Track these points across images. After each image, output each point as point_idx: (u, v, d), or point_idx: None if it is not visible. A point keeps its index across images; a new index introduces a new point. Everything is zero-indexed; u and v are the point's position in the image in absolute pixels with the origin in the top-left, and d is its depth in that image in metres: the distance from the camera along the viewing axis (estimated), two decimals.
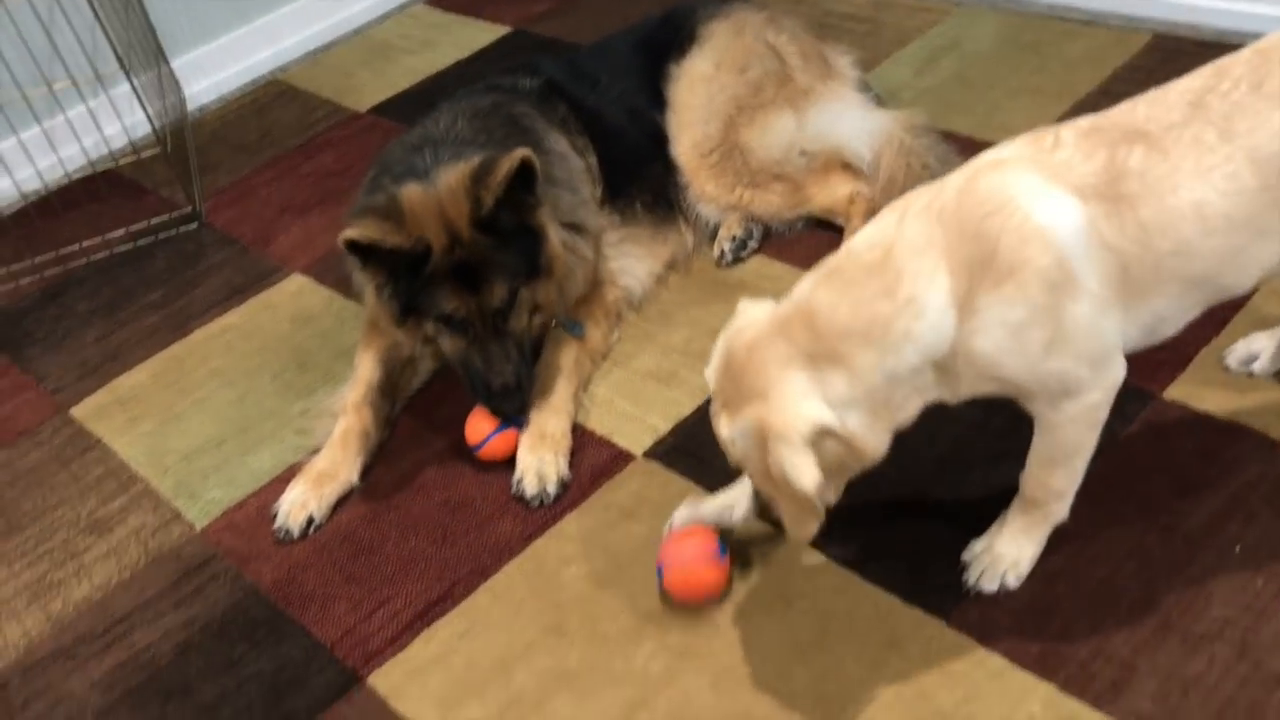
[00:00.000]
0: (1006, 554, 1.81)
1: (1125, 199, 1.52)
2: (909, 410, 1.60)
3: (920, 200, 1.58)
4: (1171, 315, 1.63)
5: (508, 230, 2.13)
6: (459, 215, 2.09)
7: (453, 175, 2.13)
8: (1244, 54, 1.60)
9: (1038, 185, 1.52)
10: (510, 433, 2.21)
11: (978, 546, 1.84)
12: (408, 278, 2.11)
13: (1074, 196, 1.51)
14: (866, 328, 1.52)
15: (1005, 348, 1.53)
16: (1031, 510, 1.78)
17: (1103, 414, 1.64)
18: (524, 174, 2.10)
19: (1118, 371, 1.62)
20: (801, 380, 1.53)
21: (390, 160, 2.33)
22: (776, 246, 2.63)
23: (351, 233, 2.03)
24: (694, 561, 1.86)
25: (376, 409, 2.34)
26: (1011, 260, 1.49)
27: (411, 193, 2.10)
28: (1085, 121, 1.60)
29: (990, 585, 1.81)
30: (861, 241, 1.59)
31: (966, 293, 1.51)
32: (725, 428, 1.60)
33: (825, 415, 1.51)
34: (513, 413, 2.19)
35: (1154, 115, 1.57)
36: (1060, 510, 1.78)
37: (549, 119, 2.54)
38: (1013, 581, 1.81)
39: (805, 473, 1.49)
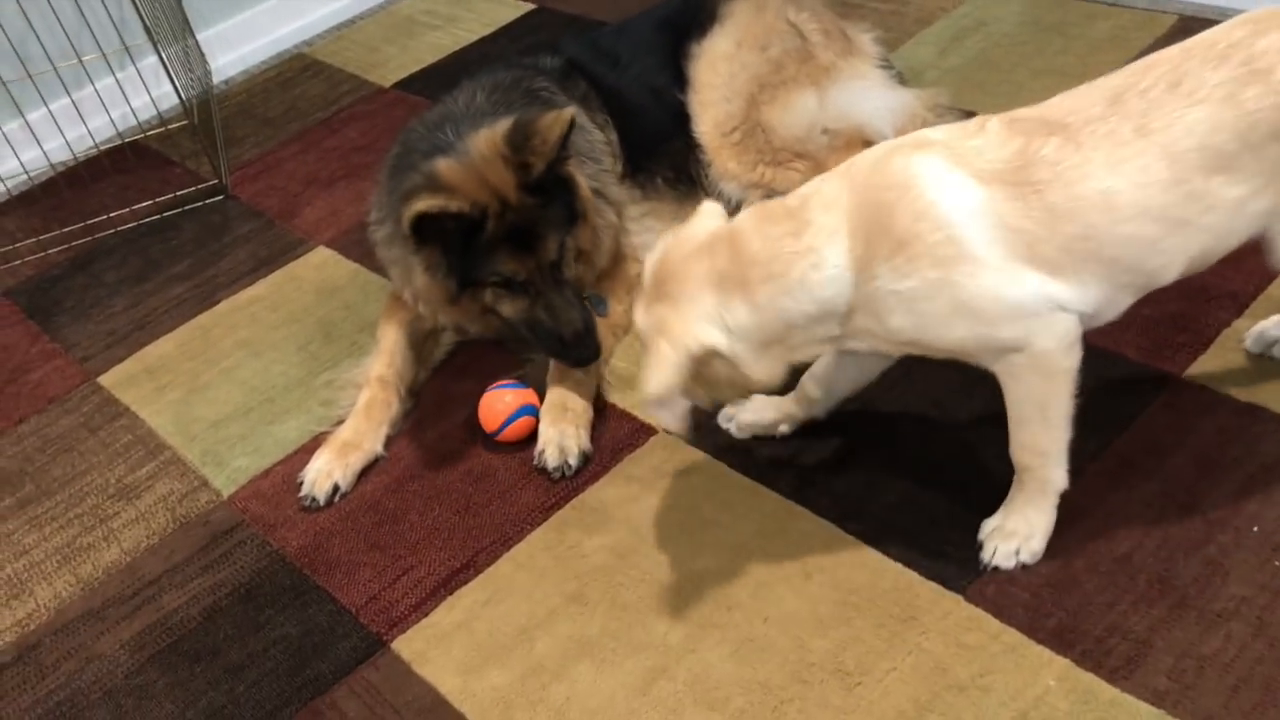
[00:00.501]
0: (1019, 530, 1.83)
1: (1032, 184, 1.60)
2: (805, 352, 1.77)
3: (845, 164, 1.71)
4: (1106, 297, 1.68)
5: (548, 186, 2.15)
6: (503, 180, 2.10)
7: (483, 142, 2.14)
8: (1170, 51, 1.66)
9: (940, 167, 1.62)
10: (526, 418, 2.24)
11: (990, 524, 1.86)
12: (462, 249, 2.12)
13: (974, 180, 1.61)
14: (769, 262, 1.66)
15: (900, 315, 1.65)
16: (1027, 480, 1.81)
17: (1058, 362, 1.67)
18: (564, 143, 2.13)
19: (1058, 324, 1.65)
20: (708, 302, 1.68)
21: (413, 140, 2.34)
22: None
23: (420, 205, 2.04)
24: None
25: (400, 380, 2.37)
26: (904, 234, 1.60)
27: (448, 166, 2.11)
28: (1017, 112, 1.69)
29: (1006, 562, 1.83)
30: (797, 189, 1.74)
31: (863, 258, 1.63)
32: (640, 316, 1.75)
33: (716, 339, 1.67)
34: (590, 357, 2.21)
35: (1076, 108, 1.66)
36: (1057, 476, 1.79)
37: (569, 95, 2.56)
38: (1028, 558, 1.82)
39: (657, 380, 1.65)
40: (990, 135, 1.65)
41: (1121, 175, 1.59)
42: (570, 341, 2.19)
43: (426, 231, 2.10)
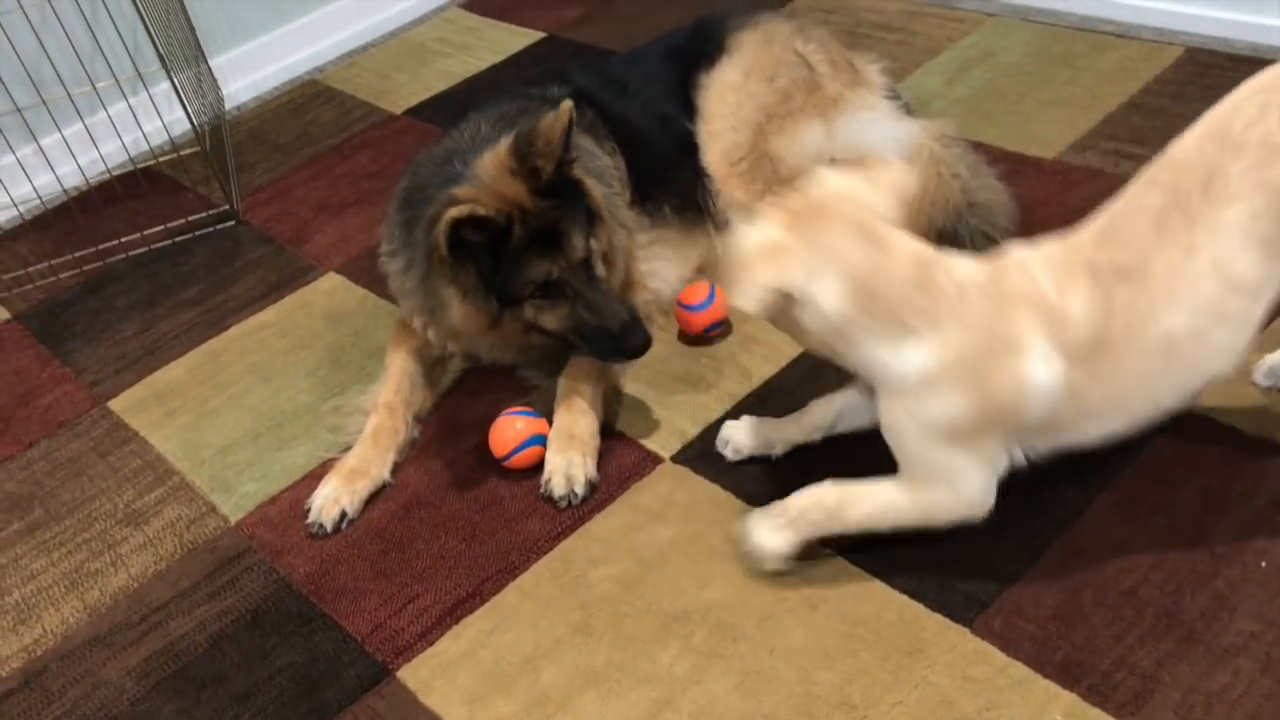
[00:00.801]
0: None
1: (1106, 346, 1.68)
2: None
3: (999, 269, 1.74)
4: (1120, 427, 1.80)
5: (560, 189, 2.17)
6: (516, 191, 2.12)
7: (489, 163, 2.16)
8: (1188, 143, 1.68)
9: (1042, 348, 1.68)
10: (536, 448, 2.24)
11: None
12: (493, 264, 2.13)
13: (1064, 361, 1.68)
14: (897, 299, 1.69)
15: (931, 421, 1.74)
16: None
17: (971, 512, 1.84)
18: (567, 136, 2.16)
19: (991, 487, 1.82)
20: (836, 266, 1.70)
21: (422, 174, 2.35)
22: None
23: (454, 211, 2.05)
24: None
25: (407, 407, 2.38)
26: (995, 389, 1.69)
27: (463, 191, 2.12)
28: (1093, 251, 1.70)
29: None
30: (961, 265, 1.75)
31: (945, 359, 1.69)
32: (765, 219, 1.74)
33: (809, 289, 1.70)
34: (645, 345, 2.19)
35: (1133, 242, 1.67)
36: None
37: (576, 122, 2.56)
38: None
39: (752, 295, 1.67)
40: (1082, 297, 1.68)
41: (1180, 309, 1.65)
42: (620, 333, 2.18)
43: (460, 248, 2.10)
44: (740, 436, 2.16)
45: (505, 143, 2.17)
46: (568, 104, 2.15)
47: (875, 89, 2.70)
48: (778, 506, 1.93)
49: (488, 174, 2.15)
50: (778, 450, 2.14)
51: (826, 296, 1.70)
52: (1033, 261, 1.74)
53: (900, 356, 1.71)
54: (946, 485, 1.80)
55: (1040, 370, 1.68)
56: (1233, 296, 1.64)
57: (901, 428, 1.78)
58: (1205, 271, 1.62)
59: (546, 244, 2.14)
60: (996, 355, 1.69)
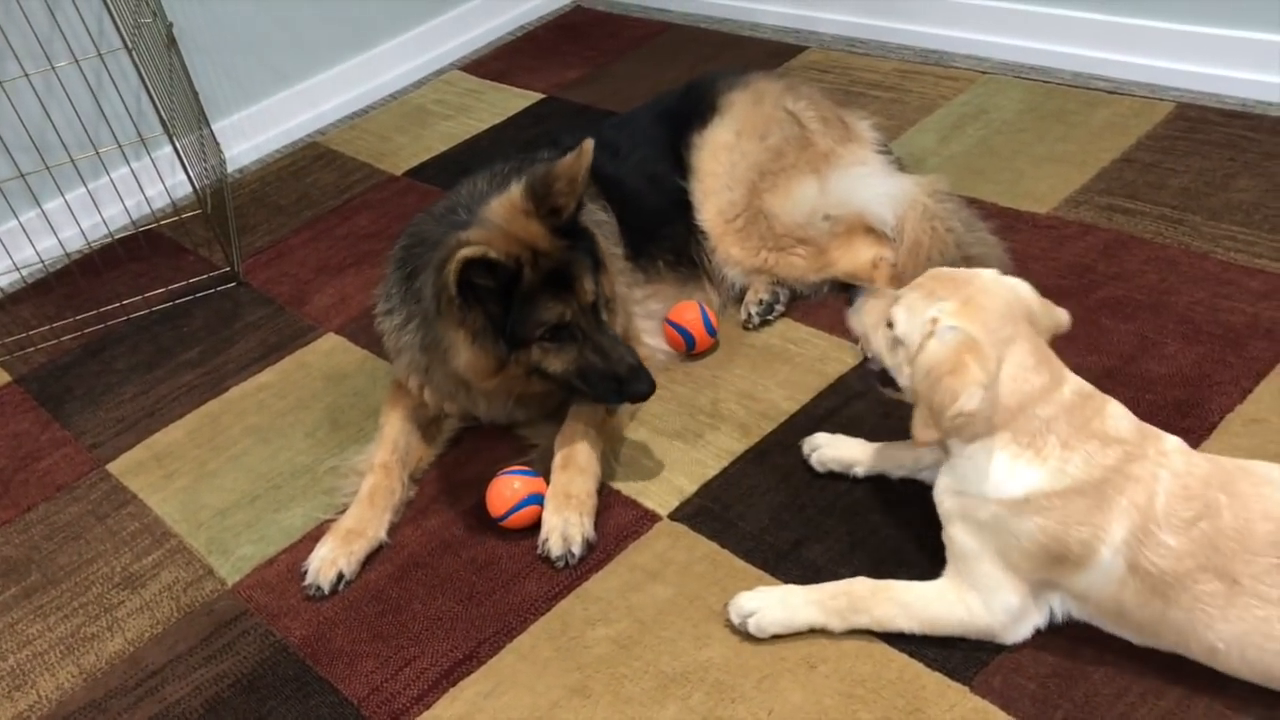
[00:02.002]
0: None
1: (1163, 596, 1.69)
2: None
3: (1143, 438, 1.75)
4: None
5: (573, 231, 2.20)
6: (531, 232, 2.15)
7: (500, 207, 2.18)
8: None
9: (1117, 543, 1.70)
10: (533, 507, 2.23)
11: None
12: (503, 306, 2.15)
13: (1126, 569, 1.71)
14: (1017, 416, 1.73)
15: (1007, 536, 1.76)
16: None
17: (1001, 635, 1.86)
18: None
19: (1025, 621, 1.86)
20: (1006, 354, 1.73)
21: (422, 231, 2.37)
22: (802, 310, 2.66)
23: (466, 251, 2.06)
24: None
25: (403, 467, 2.38)
26: (1070, 539, 1.71)
27: (473, 234, 2.13)
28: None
29: None
30: (1117, 421, 1.76)
31: (1054, 488, 1.71)
32: (946, 315, 1.74)
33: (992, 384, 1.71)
34: (649, 390, 2.19)
35: (1247, 557, 1.65)
36: None
37: None
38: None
39: (975, 395, 1.66)
40: (1180, 541, 1.66)
41: (1229, 636, 1.66)
42: (627, 377, 2.19)
43: (470, 291, 2.11)
44: (829, 451, 2.20)
45: (517, 188, 2.20)
46: (589, 143, 2.19)
47: (866, 144, 2.73)
48: (784, 586, 1.97)
49: (499, 217, 2.17)
50: (858, 471, 2.19)
51: (989, 399, 1.71)
52: (1173, 467, 1.71)
53: (1011, 468, 1.72)
54: (984, 594, 1.80)
55: (1106, 556, 1.69)
56: None
57: (964, 527, 1.79)
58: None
59: (558, 286, 2.16)
60: (1089, 512, 1.69)
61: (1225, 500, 1.65)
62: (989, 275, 1.83)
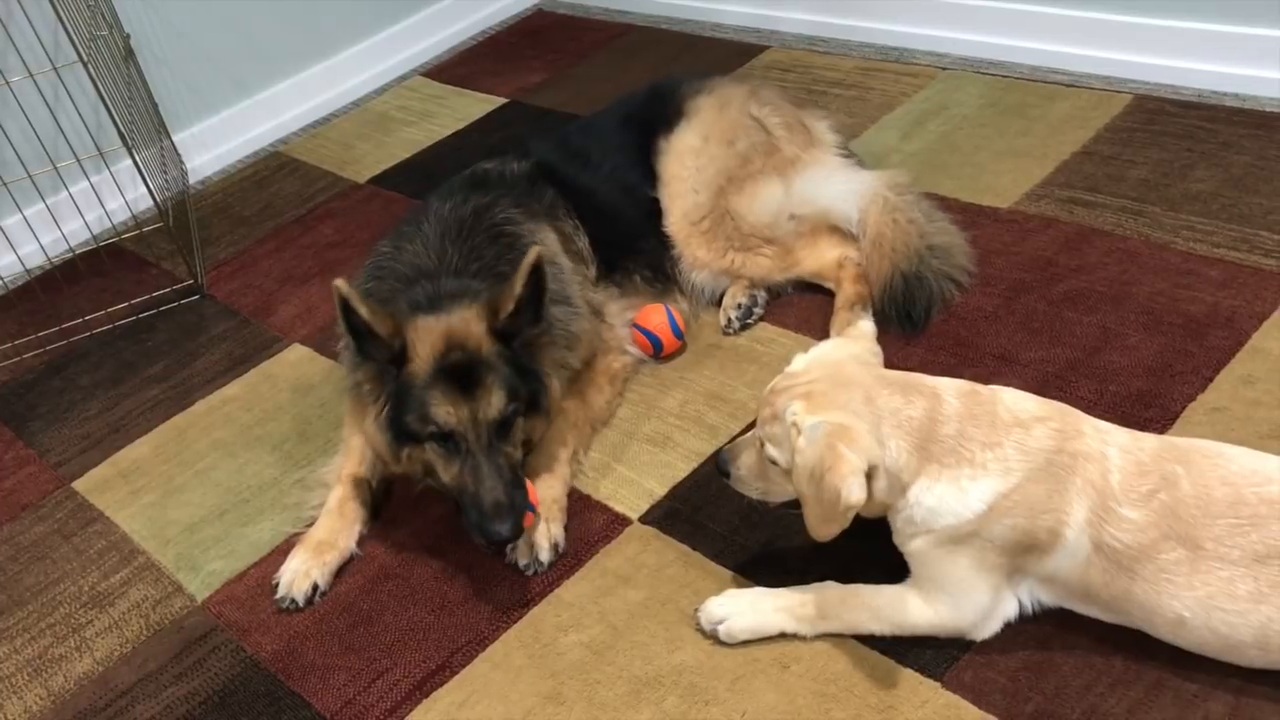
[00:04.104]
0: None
1: (1129, 570, 1.71)
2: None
3: (1059, 423, 1.75)
4: None
5: (519, 355, 2.12)
6: (469, 331, 2.08)
7: (457, 318, 2.11)
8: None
9: (1079, 522, 1.72)
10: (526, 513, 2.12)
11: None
12: (392, 383, 2.08)
13: (1091, 547, 1.72)
14: (951, 445, 1.74)
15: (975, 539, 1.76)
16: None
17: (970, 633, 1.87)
18: (536, 280, 2.10)
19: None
20: (885, 432, 1.73)
21: (385, 288, 2.30)
22: (769, 310, 2.67)
23: (343, 291, 2.00)
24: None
25: (369, 477, 2.37)
26: (1037, 526, 1.72)
27: (347, 287, 2.04)
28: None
29: None
30: (1004, 399, 1.78)
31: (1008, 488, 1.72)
32: (800, 415, 1.73)
33: (880, 459, 1.71)
34: (506, 537, 2.02)
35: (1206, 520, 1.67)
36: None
37: (533, 213, 2.53)
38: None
39: (854, 486, 1.65)
40: (1140, 514, 1.68)
41: (1193, 600, 1.67)
42: (490, 513, 2.00)
43: (358, 342, 2.07)
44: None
45: (478, 303, 2.12)
46: (536, 249, 2.10)
47: (828, 148, 2.75)
48: (753, 590, 1.96)
49: (458, 314, 2.10)
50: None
51: (891, 455, 1.72)
52: (1120, 443, 1.73)
53: (961, 490, 1.72)
54: (954, 595, 1.80)
55: (1071, 538, 1.71)
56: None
57: (940, 552, 1.78)
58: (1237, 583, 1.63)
59: (455, 389, 2.04)
60: (1049, 497, 1.70)
61: (1182, 471, 1.68)
62: (814, 354, 1.87)
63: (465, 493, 2.06)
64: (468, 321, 2.09)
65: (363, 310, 2.03)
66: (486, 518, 2.01)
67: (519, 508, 2.03)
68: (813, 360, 1.86)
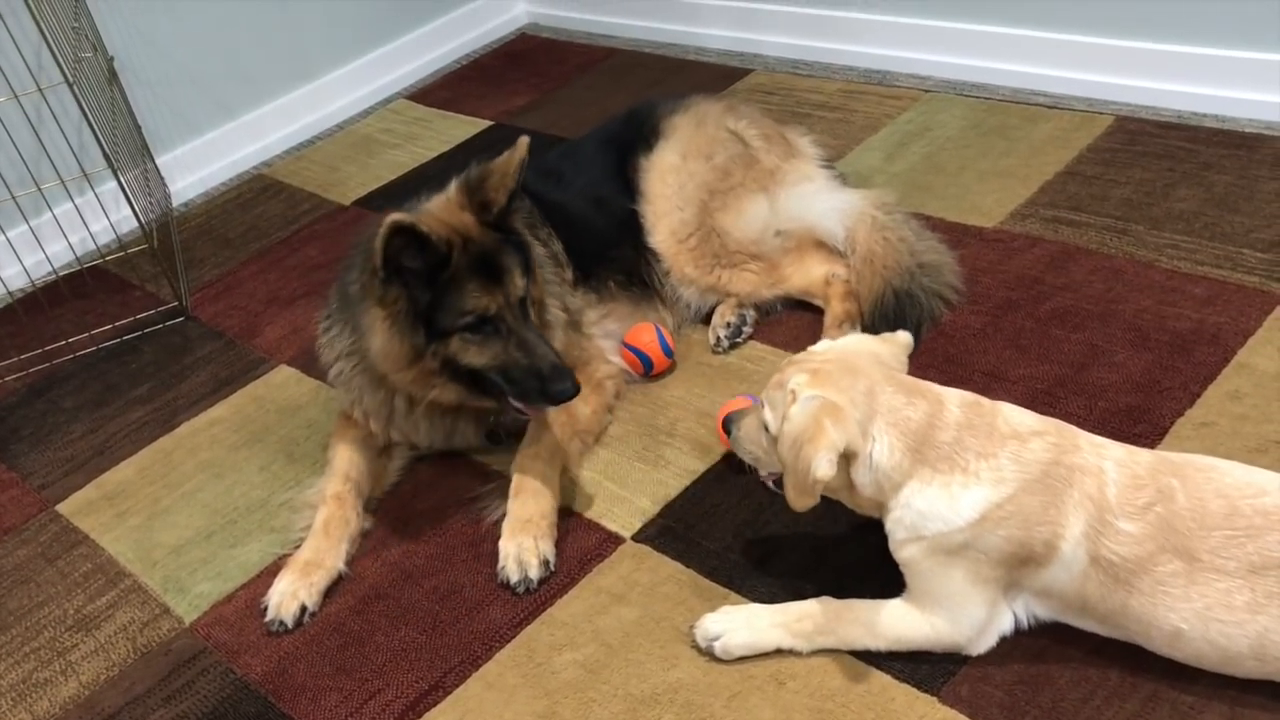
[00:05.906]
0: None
1: (1126, 583, 1.72)
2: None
3: (1056, 437, 1.76)
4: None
5: (506, 229, 2.22)
6: (465, 221, 2.17)
7: (437, 200, 2.23)
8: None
9: (1077, 534, 1.72)
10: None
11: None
12: (428, 292, 2.12)
13: (1088, 560, 1.73)
14: (947, 453, 1.74)
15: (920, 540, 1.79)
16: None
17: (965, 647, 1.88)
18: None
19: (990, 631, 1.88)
20: (877, 426, 1.75)
21: (362, 252, 2.31)
22: (759, 328, 2.67)
23: (398, 217, 2.03)
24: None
25: (357, 496, 2.36)
26: (1033, 538, 1.73)
27: (406, 213, 2.10)
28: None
29: None
30: (1005, 413, 1.79)
31: (1001, 498, 1.73)
32: (801, 386, 1.76)
33: (861, 448, 1.74)
34: (572, 391, 2.13)
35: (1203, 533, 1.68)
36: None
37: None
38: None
39: (824, 461, 1.68)
40: (1137, 527, 1.69)
41: (1191, 614, 1.68)
42: (550, 375, 2.13)
43: (396, 271, 2.09)
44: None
45: (453, 185, 2.24)
46: (525, 139, 2.20)
47: (810, 159, 2.77)
48: (748, 606, 1.95)
49: (435, 205, 2.21)
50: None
51: (882, 451, 1.73)
52: (1116, 457, 1.74)
53: (953, 496, 1.72)
54: (950, 609, 1.80)
55: (1068, 551, 1.71)
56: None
57: (933, 561, 1.78)
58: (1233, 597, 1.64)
59: (487, 274, 2.15)
60: (1044, 509, 1.71)
61: (1178, 484, 1.69)
62: (841, 342, 1.90)
63: (517, 367, 2.16)
64: (456, 210, 2.20)
65: (423, 228, 2.07)
66: (548, 380, 2.14)
67: (566, 364, 2.19)
68: (836, 346, 1.89)
